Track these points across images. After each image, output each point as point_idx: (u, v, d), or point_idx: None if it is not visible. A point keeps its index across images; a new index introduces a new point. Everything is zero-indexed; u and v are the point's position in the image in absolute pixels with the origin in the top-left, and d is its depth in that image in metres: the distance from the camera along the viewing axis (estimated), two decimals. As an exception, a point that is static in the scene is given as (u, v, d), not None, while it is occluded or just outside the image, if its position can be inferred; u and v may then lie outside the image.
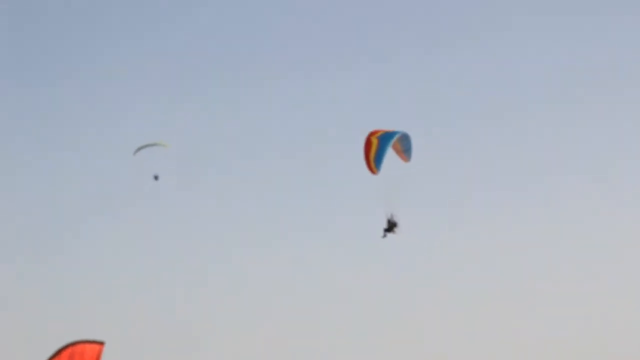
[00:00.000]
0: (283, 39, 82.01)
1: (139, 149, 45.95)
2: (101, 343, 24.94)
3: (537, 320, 64.02)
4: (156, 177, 47.77)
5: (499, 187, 74.05)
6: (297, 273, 65.18)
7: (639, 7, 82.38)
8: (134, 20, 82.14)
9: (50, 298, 65.10)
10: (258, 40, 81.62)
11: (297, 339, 61.34)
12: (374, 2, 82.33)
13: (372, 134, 39.05)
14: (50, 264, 68.05)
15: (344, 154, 74.87)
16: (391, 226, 38.79)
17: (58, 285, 66.40)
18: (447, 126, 77.47)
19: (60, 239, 69.87)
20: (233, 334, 62.33)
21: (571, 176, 73.71)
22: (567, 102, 78.36)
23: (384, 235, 38.91)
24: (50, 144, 76.74)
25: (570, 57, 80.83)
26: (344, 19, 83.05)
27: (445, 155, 75.97)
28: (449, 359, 61.30)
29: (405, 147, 38.84)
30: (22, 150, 76.38)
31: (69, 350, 24.43)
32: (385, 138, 38.10)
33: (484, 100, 79.95)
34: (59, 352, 24.19)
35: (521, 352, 61.95)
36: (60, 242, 69.80)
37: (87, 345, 24.55)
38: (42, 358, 24.04)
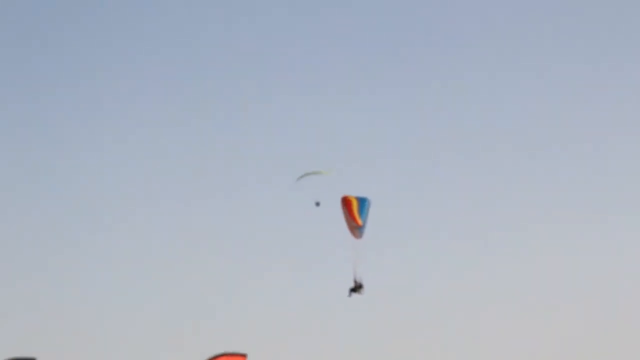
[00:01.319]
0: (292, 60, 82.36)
1: (302, 177, 46.85)
2: (244, 355, 25.17)
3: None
4: (317, 204, 49.02)
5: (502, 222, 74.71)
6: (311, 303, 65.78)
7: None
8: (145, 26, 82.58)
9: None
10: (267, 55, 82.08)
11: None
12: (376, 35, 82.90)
13: (346, 196, 43.56)
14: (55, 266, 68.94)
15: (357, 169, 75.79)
16: (357, 287, 42.08)
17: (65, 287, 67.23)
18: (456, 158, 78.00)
19: (69, 241, 70.70)
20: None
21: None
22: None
23: (350, 295, 42.08)
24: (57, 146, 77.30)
25: (563, 97, 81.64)
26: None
27: (452, 179, 76.66)
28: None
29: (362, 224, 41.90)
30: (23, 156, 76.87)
31: None
32: (362, 199, 42.66)
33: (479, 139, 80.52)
34: None
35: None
36: (68, 245, 70.60)
37: (231, 358, 24.77)
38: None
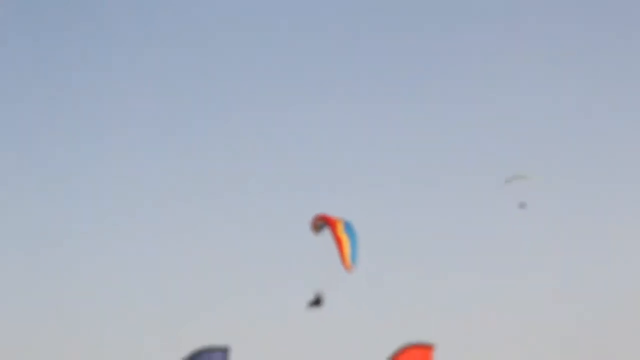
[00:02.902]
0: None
1: (511, 179, 46.35)
2: (431, 346, 25.46)
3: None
4: (522, 205, 48.89)
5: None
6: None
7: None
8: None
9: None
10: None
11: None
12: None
13: (334, 222, 38.45)
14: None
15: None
16: (317, 301, 39.60)
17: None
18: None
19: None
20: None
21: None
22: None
23: (309, 308, 39.58)
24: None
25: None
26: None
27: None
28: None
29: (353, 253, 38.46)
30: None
31: (405, 352, 24.85)
32: (349, 227, 37.94)
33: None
34: (398, 353, 24.45)
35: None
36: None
37: (418, 349, 25.08)
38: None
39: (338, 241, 36.38)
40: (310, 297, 37.90)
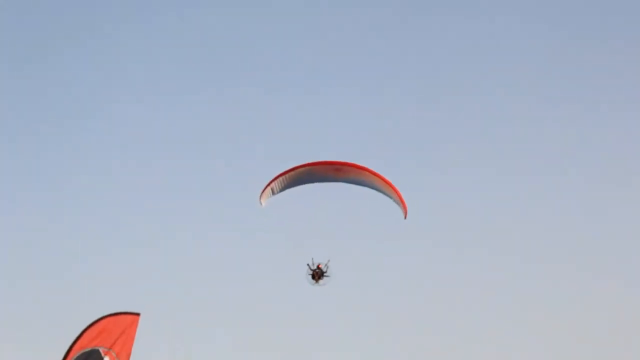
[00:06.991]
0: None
1: None
2: (137, 314, 24.73)
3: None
4: None
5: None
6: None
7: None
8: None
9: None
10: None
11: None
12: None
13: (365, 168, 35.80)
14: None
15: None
16: (317, 274, 35.35)
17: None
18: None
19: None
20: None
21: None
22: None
23: (313, 283, 35.22)
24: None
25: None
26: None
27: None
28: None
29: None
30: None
31: (103, 322, 24.18)
32: None
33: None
34: (91, 325, 23.84)
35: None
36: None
37: (122, 317, 24.36)
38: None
39: (390, 185, 33.31)
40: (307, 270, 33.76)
